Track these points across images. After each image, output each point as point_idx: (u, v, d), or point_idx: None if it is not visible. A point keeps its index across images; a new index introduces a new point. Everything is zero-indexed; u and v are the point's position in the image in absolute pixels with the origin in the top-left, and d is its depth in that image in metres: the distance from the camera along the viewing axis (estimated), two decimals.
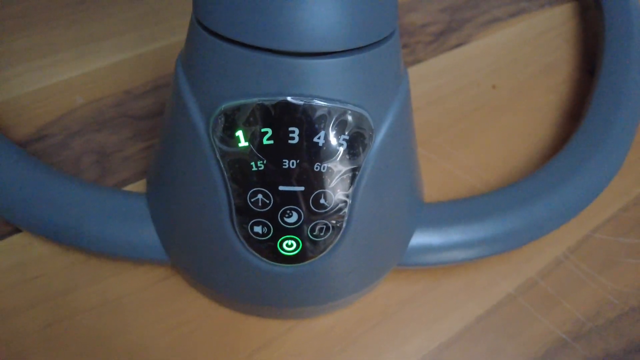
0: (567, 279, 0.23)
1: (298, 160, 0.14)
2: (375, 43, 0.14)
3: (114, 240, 0.19)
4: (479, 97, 0.30)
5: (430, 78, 0.30)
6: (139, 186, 0.24)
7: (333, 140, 0.14)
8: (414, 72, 0.30)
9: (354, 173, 0.15)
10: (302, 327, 0.20)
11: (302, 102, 0.13)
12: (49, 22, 0.30)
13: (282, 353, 0.20)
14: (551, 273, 0.23)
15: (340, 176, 0.15)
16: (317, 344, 0.20)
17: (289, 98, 0.13)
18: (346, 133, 0.14)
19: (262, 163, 0.14)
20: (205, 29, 0.14)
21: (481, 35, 0.33)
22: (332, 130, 0.14)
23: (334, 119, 0.14)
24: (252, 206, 0.15)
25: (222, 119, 0.14)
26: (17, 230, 0.22)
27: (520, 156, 0.27)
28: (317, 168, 0.14)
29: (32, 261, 0.21)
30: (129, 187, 0.24)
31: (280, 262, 0.16)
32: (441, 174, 0.26)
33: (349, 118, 0.14)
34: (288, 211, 0.15)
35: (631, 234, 0.25)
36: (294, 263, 0.16)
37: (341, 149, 0.14)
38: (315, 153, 0.14)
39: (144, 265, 0.21)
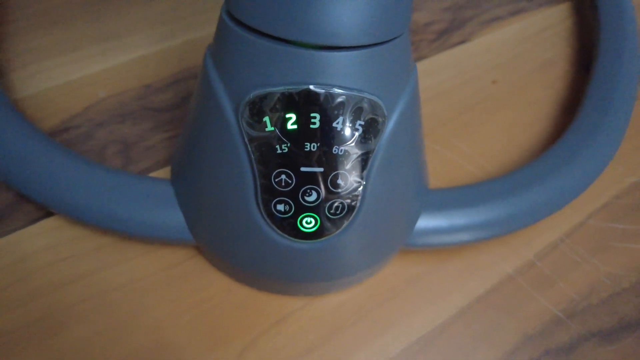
0: (563, 261, 0.25)
1: (318, 144, 0.15)
2: (390, 40, 0.15)
3: (142, 223, 0.20)
4: (480, 91, 0.31)
5: (433, 74, 0.31)
6: (160, 174, 0.25)
7: (350, 126, 0.15)
8: (418, 68, 0.31)
9: (367, 156, 0.16)
10: (316, 303, 0.22)
11: (323, 91, 0.15)
12: (70, 20, 0.31)
13: (297, 327, 0.21)
14: (548, 255, 0.25)
15: (355, 159, 0.16)
16: (330, 318, 0.21)
17: (311, 87, 0.15)
18: (362, 119, 0.15)
19: (286, 146, 0.15)
20: (236, 21, 0.15)
21: (482, 33, 0.35)
22: (349, 117, 0.15)
23: (351, 106, 0.15)
24: (276, 186, 0.16)
25: (250, 106, 0.15)
26: (50, 214, 0.23)
27: (519, 147, 0.29)
28: (335, 151, 0.16)
29: (63, 243, 0.23)
30: (151, 175, 0.25)
31: (300, 239, 0.17)
32: (445, 163, 0.27)
33: (365, 105, 0.15)
34: (308, 190, 0.16)
35: (623, 220, 0.27)
36: (312, 239, 0.17)
37: (357, 134, 0.16)
38: (334, 137, 0.15)
39: (168, 246, 0.23)
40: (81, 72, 0.29)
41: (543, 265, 0.24)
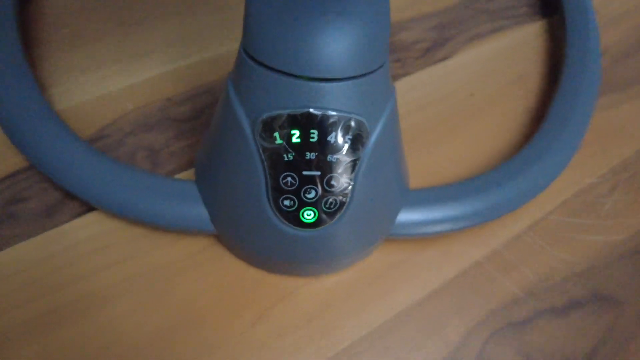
0: (525, 250, 0.29)
1: (317, 153, 0.20)
2: (372, 71, 0.20)
3: (172, 217, 0.25)
4: (459, 103, 0.35)
5: (418, 88, 0.36)
6: (184, 175, 0.29)
7: (340, 139, 0.20)
8: (405, 83, 0.36)
9: (355, 162, 0.21)
10: (314, 283, 0.26)
11: (320, 113, 0.19)
12: (100, 41, 0.35)
13: (299, 302, 0.25)
14: (512, 245, 0.29)
15: (345, 165, 0.20)
16: (326, 295, 0.26)
17: (311, 110, 0.19)
18: (350, 134, 0.20)
19: (292, 155, 0.20)
20: (252, 58, 0.19)
21: (463, 50, 0.39)
22: (340, 132, 0.20)
23: (341, 124, 0.19)
24: (282, 186, 0.20)
25: (263, 124, 0.20)
26: (92, 209, 0.28)
27: (491, 153, 0.33)
28: (329, 159, 0.20)
29: (103, 233, 0.27)
30: (176, 176, 0.30)
31: (302, 228, 0.22)
32: (425, 167, 0.32)
33: (352, 124, 0.20)
34: (308, 189, 0.21)
35: (580, 215, 0.31)
36: (312, 228, 0.22)
37: (346, 145, 0.20)
38: (329, 148, 0.20)
39: (192, 236, 0.27)
40: (111, 88, 0.33)
41: (507, 253, 0.29)
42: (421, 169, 0.32)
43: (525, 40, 0.41)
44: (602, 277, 0.29)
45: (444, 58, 0.38)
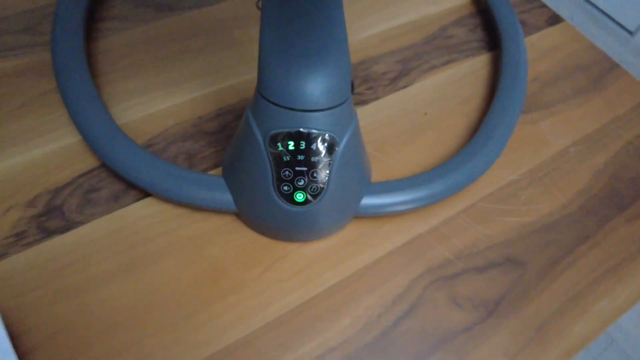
0: (458, 227, 0.40)
1: (305, 156, 0.31)
2: (339, 104, 0.31)
3: (206, 200, 0.36)
4: (416, 120, 0.47)
5: (385, 109, 0.47)
6: (215, 172, 0.41)
7: (320, 147, 0.31)
8: (376, 105, 0.47)
9: (330, 162, 0.32)
10: (305, 246, 0.37)
11: (306, 131, 0.30)
12: (146, 71, 0.47)
13: (294, 259, 0.37)
14: (448, 223, 0.40)
15: (323, 163, 0.32)
16: (313, 254, 0.37)
17: (301, 129, 0.30)
18: (325, 144, 0.31)
19: (289, 157, 0.31)
20: (264, 97, 0.31)
21: (422, 79, 0.51)
22: (319, 143, 0.31)
23: (320, 138, 0.31)
24: (283, 177, 0.32)
25: (271, 137, 0.31)
26: (148, 195, 0.39)
27: (439, 157, 0.45)
28: (313, 159, 0.31)
29: (156, 212, 0.38)
30: (209, 173, 0.41)
31: (295, 205, 0.33)
32: (385, 166, 0.43)
33: (327, 137, 0.31)
34: (299, 179, 0.32)
35: (502, 203, 0.43)
36: (302, 206, 0.33)
37: (324, 151, 0.31)
38: (312, 153, 0.31)
39: (219, 214, 0.38)
40: (156, 108, 0.45)
41: (444, 228, 0.40)
42: (387, 168, 0.43)
43: (472, 70, 0.53)
44: (515, 247, 0.40)
45: (406, 85, 0.49)
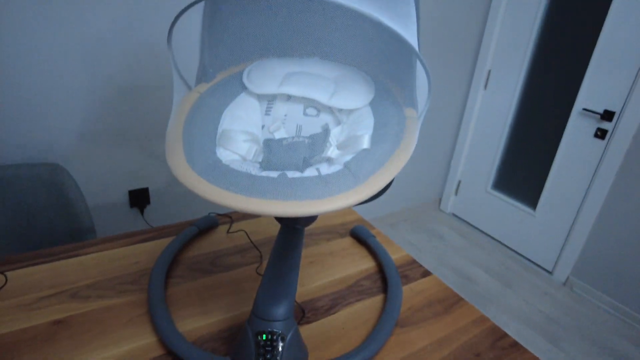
0: None
1: (270, 342, 0.70)
2: (287, 318, 0.72)
3: None
4: (338, 333, 0.86)
5: (321, 326, 0.87)
6: (225, 355, 0.77)
7: (277, 339, 0.70)
8: (316, 324, 0.88)
9: (282, 346, 0.70)
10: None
11: (271, 329, 0.70)
12: (192, 305, 0.89)
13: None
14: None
15: (278, 349, 0.70)
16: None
17: (269, 329, 0.70)
18: (280, 337, 0.70)
19: (262, 342, 0.70)
20: (254, 313, 0.72)
21: (343, 309, 0.92)
22: (278, 337, 0.70)
23: (277, 334, 0.70)
24: (259, 353, 0.70)
25: (256, 333, 0.70)
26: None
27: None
28: (274, 344, 0.70)
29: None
30: None
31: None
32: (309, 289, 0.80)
33: (281, 332, 0.70)
34: (268, 354, 0.70)
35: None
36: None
37: (279, 341, 0.70)
38: (274, 341, 0.70)
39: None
40: (199, 324, 0.84)
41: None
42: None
43: (372, 304, 0.94)
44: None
45: (334, 312, 0.90)
